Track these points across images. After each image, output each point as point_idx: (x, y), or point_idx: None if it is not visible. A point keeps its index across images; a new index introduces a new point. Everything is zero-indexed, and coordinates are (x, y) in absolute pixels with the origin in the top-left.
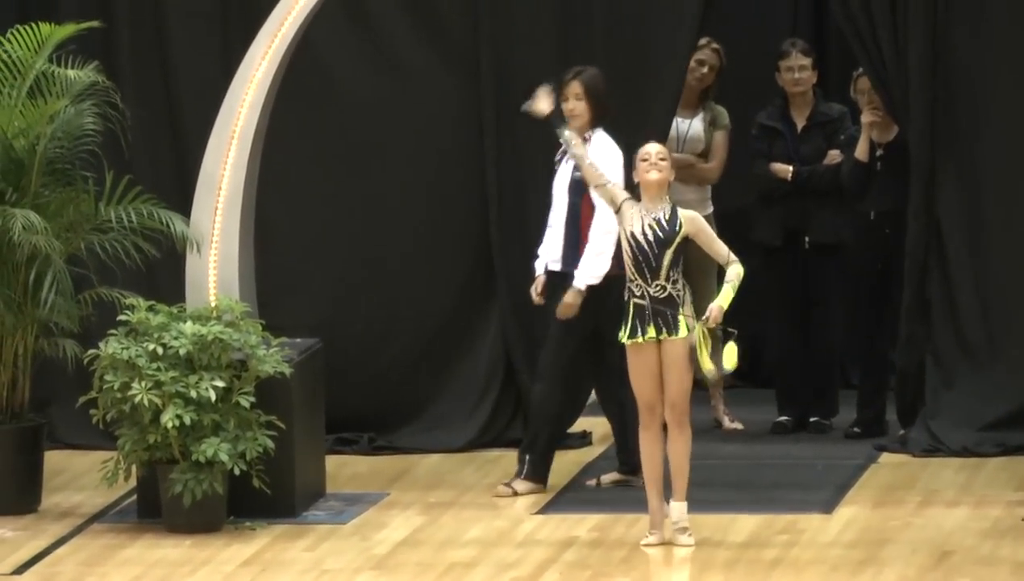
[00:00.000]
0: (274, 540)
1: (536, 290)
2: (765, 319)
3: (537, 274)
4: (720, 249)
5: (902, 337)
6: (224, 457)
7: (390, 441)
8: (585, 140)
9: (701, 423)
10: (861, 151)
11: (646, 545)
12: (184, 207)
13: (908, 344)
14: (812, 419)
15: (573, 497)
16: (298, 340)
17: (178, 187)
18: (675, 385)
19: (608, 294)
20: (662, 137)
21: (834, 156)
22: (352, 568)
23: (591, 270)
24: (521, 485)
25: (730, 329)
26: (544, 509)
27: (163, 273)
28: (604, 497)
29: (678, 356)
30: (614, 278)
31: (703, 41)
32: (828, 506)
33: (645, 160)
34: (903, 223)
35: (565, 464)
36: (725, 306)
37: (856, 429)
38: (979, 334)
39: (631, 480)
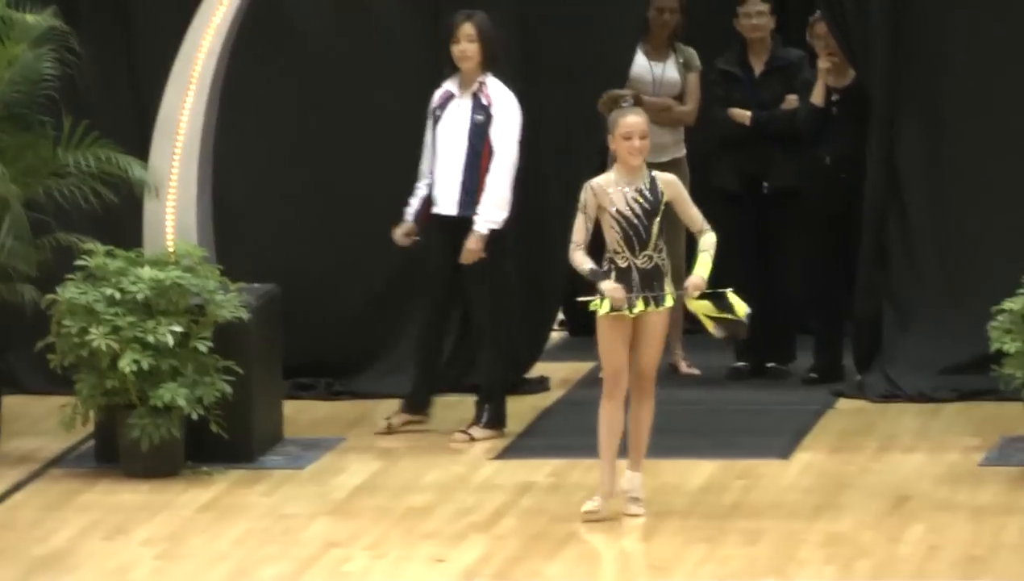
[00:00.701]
0: (232, 485)
1: (402, 233)
2: (723, 265)
3: (407, 219)
4: (695, 215)
5: (860, 283)
6: (182, 402)
7: (348, 386)
8: (480, 85)
9: (659, 366)
10: (817, 96)
11: (587, 512)
12: (142, 152)
13: (866, 290)
14: (769, 365)
15: (531, 443)
16: (256, 285)
17: (136, 132)
18: (649, 355)
19: (508, 238)
20: (622, 79)
21: (792, 101)
22: (309, 513)
23: (493, 215)
24: (478, 431)
25: (719, 290)
26: (502, 454)
27: (121, 218)
28: (561, 443)
29: (658, 327)
30: (511, 221)
31: None
32: (785, 451)
33: (628, 139)
34: (859, 168)
35: (522, 409)
36: (705, 275)
37: (813, 375)
38: (937, 281)
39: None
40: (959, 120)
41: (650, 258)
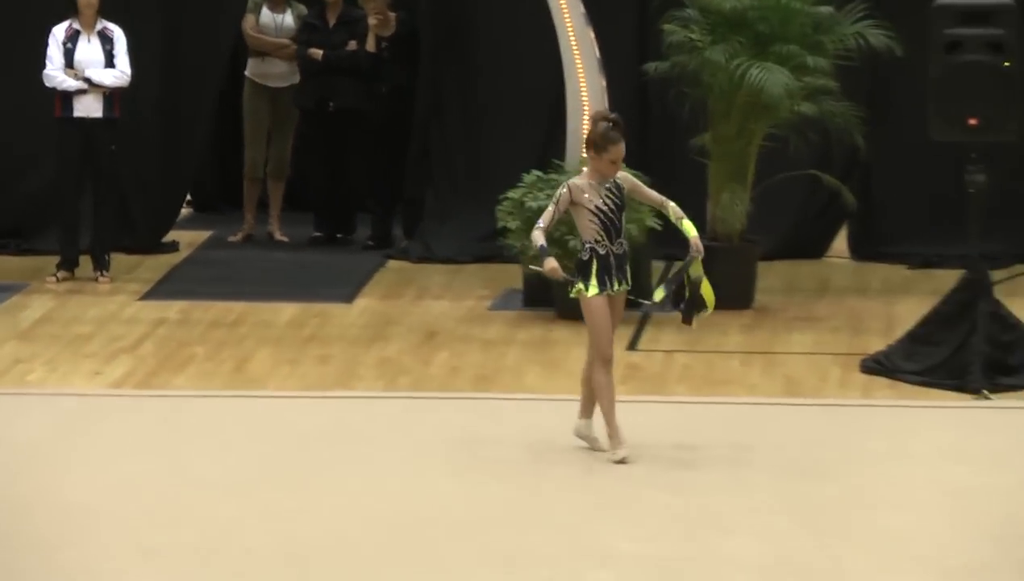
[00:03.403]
0: None
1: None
2: (306, 162)
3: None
4: (652, 195)
5: (408, 175)
6: None
7: (32, 245)
8: (103, 25)
9: (259, 235)
10: (369, 44)
11: (619, 461)
12: None
13: (413, 180)
14: (339, 235)
15: (164, 289)
16: None
17: None
18: (614, 330)
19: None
20: (238, 15)
21: (352, 45)
22: (1, 339)
23: (106, 79)
24: (107, 274)
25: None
26: (144, 297)
27: None
28: (187, 289)
29: (622, 304)
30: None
31: None
32: (349, 298)
33: (615, 163)
34: (409, 94)
35: (159, 265)
36: (697, 235)
37: (371, 242)
38: (465, 175)
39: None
40: (486, 54)
41: (621, 245)
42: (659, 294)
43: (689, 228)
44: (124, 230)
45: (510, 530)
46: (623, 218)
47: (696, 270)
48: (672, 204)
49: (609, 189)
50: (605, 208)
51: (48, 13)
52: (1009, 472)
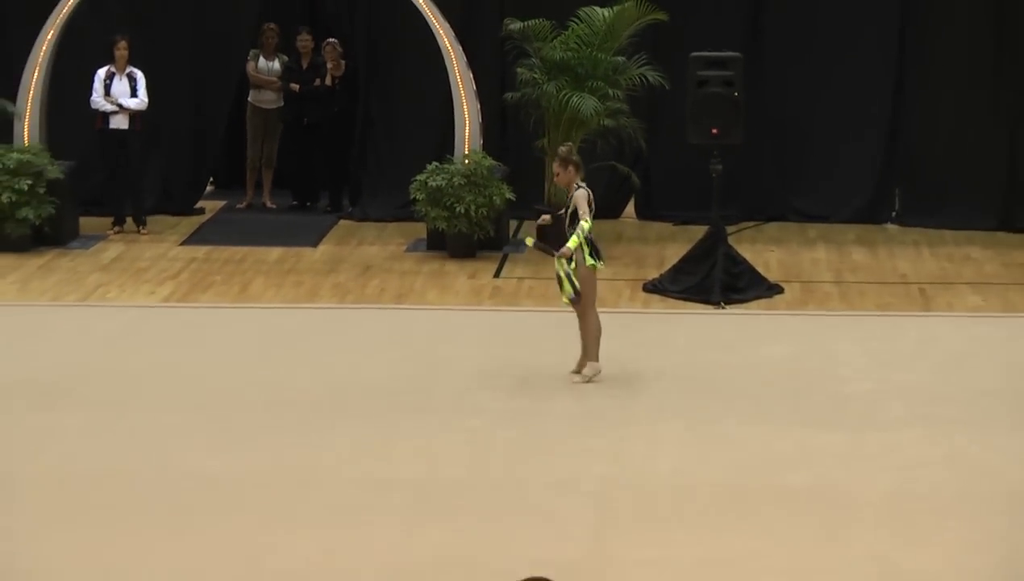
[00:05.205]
0: (55, 257)
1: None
2: (287, 157)
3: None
4: (582, 210)
5: (353, 163)
6: (31, 216)
7: (107, 211)
8: (131, 70)
9: (256, 204)
10: (328, 80)
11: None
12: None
13: (356, 166)
14: (308, 203)
15: (196, 238)
16: (65, 161)
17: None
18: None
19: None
20: (243, 61)
21: (318, 82)
22: (90, 270)
23: (135, 105)
24: (145, 229)
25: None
26: (182, 244)
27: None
28: (209, 238)
29: (584, 277)
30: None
31: (273, 25)
32: (315, 244)
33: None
34: (353, 112)
35: (192, 223)
36: (573, 247)
37: (328, 208)
38: (391, 163)
39: None
40: (402, 85)
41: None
42: (529, 240)
43: (572, 239)
44: (169, 201)
45: (413, 391)
46: (567, 219)
47: (560, 266)
48: (585, 223)
49: (566, 200)
50: (562, 212)
51: (97, 61)
52: (735, 355)
